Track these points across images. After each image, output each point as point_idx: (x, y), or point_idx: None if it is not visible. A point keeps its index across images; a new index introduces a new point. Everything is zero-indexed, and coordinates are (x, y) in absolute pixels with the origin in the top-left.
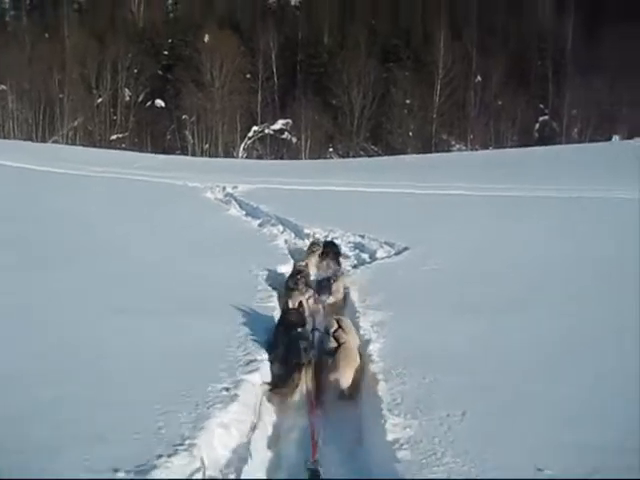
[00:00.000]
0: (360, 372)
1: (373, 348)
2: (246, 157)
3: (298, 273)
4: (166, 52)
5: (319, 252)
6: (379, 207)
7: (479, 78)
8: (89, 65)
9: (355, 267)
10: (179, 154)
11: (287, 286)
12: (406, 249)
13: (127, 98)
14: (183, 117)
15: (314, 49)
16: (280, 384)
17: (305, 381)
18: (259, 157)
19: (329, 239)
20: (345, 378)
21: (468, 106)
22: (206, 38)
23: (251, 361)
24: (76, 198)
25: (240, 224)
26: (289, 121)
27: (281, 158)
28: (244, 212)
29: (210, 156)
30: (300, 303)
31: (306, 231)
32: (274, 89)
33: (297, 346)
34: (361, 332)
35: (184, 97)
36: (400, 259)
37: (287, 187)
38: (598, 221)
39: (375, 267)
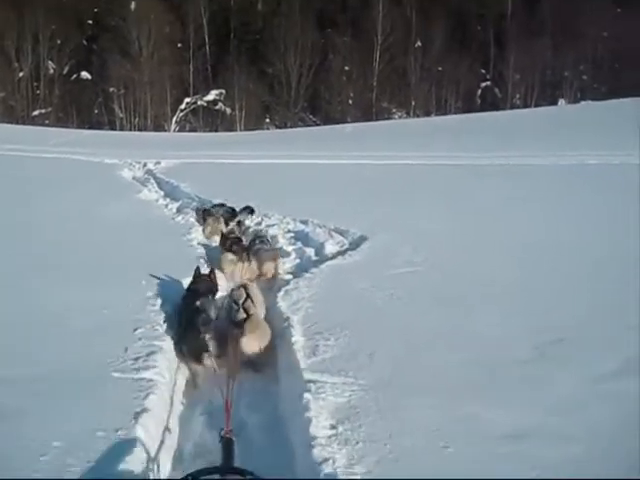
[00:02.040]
0: (270, 343)
1: None
2: (178, 130)
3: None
4: (90, 21)
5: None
6: (321, 182)
7: (419, 43)
8: (7, 37)
9: (294, 275)
10: (108, 129)
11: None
12: (363, 239)
13: (51, 71)
14: (110, 90)
15: (248, 15)
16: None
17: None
18: (192, 130)
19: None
20: (254, 348)
21: (409, 72)
22: (133, 5)
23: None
24: None
25: (151, 210)
26: (223, 91)
27: (215, 130)
28: (162, 193)
29: (140, 130)
30: (212, 270)
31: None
32: (206, 58)
33: (195, 322)
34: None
35: (111, 68)
36: (358, 257)
37: (217, 161)
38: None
39: (324, 274)
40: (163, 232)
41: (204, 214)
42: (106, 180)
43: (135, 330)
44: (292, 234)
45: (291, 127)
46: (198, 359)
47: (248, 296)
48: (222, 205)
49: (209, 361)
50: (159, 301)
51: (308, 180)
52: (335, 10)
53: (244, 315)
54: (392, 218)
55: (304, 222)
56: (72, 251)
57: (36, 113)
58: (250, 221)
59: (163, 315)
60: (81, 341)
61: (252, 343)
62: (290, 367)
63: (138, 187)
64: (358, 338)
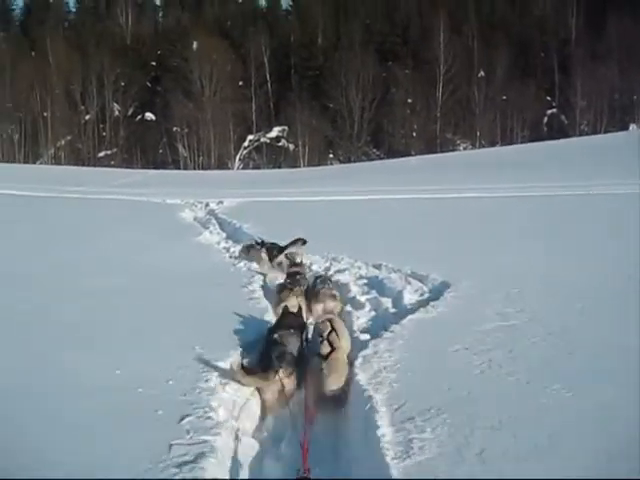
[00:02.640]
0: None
1: None
2: (242, 168)
3: (295, 274)
4: (154, 63)
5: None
6: (390, 220)
7: (482, 73)
8: (74, 80)
9: (371, 334)
10: (172, 168)
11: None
12: (445, 286)
13: (116, 113)
14: (174, 129)
15: (308, 51)
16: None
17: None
18: (256, 167)
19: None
20: (336, 384)
21: (472, 102)
22: (194, 45)
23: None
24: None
25: (211, 254)
26: (285, 128)
27: (279, 167)
28: (224, 235)
29: (204, 169)
30: (300, 307)
31: (300, 260)
32: (268, 95)
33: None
34: None
35: (174, 108)
36: (442, 308)
37: (280, 199)
38: None
39: (407, 332)
40: (220, 282)
41: (248, 249)
42: (165, 221)
43: (181, 420)
44: (365, 280)
45: (355, 161)
46: (266, 374)
47: (333, 329)
48: (272, 244)
49: (279, 378)
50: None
51: (376, 217)
52: (396, 42)
53: (329, 348)
54: (474, 259)
55: (377, 267)
56: (109, 307)
57: (102, 155)
58: (302, 254)
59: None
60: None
61: (334, 378)
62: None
63: (199, 229)
64: (460, 428)
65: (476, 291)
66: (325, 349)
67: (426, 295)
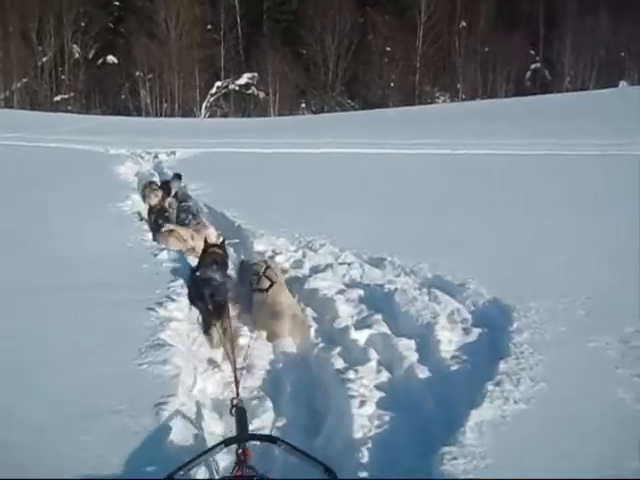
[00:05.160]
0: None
1: None
2: (209, 116)
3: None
4: (117, 2)
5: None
6: (376, 181)
7: (464, 23)
8: (30, 19)
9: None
10: (135, 116)
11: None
12: (501, 311)
13: (76, 55)
14: (137, 74)
15: None
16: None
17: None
18: (223, 116)
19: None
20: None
21: (453, 53)
22: None
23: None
24: None
25: (122, 236)
26: (255, 75)
27: (248, 116)
28: None
29: (167, 116)
30: (222, 241)
31: (258, 248)
32: (238, 40)
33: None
34: None
35: (137, 51)
36: (530, 387)
37: (243, 150)
38: None
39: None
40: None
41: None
42: (94, 177)
43: None
44: (360, 292)
45: (328, 112)
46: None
47: (268, 267)
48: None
49: (216, 334)
50: None
51: (359, 178)
52: None
53: (268, 282)
54: (509, 251)
55: (377, 264)
56: None
57: (58, 99)
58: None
59: None
60: None
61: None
62: None
63: (130, 189)
64: None
65: (568, 328)
66: (265, 283)
67: (474, 333)
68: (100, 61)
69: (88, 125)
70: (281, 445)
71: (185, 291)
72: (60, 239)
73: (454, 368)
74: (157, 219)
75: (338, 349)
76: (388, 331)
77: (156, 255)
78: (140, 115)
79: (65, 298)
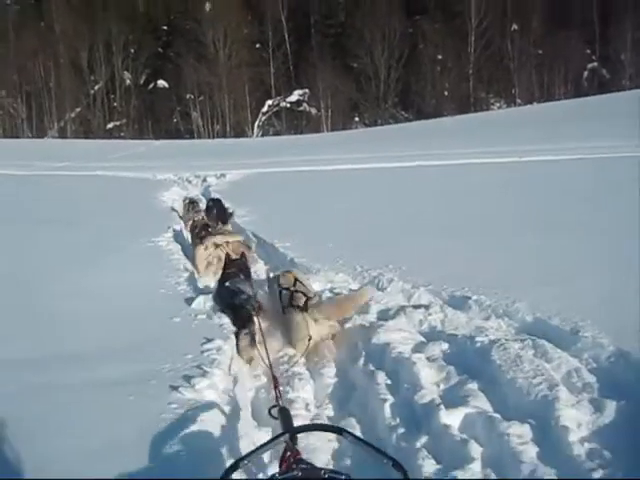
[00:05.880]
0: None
1: None
2: (261, 135)
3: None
4: (165, 27)
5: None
6: (443, 195)
7: (515, 26)
8: (80, 49)
9: None
10: (187, 138)
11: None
12: (622, 357)
13: (127, 82)
14: (187, 97)
15: (328, 7)
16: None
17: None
18: (276, 134)
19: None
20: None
21: (506, 57)
22: (207, 6)
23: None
24: None
25: (167, 277)
26: (306, 91)
27: (300, 133)
28: None
29: (220, 138)
30: (242, 254)
31: (314, 286)
32: (287, 57)
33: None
34: None
35: (187, 74)
36: None
37: (293, 169)
38: None
39: None
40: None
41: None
42: (134, 206)
43: None
44: (442, 346)
45: (382, 125)
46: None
47: (296, 280)
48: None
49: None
50: None
51: (423, 192)
52: None
53: (304, 298)
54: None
55: (459, 302)
56: None
57: (111, 126)
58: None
59: None
60: None
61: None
62: None
63: (173, 218)
64: None
65: None
66: (300, 300)
67: (607, 407)
68: (151, 86)
69: (139, 151)
70: (347, 437)
71: (221, 357)
72: (74, 288)
73: (594, 470)
74: (199, 233)
75: (424, 439)
76: (490, 409)
77: (191, 303)
78: (192, 137)
79: (62, 376)
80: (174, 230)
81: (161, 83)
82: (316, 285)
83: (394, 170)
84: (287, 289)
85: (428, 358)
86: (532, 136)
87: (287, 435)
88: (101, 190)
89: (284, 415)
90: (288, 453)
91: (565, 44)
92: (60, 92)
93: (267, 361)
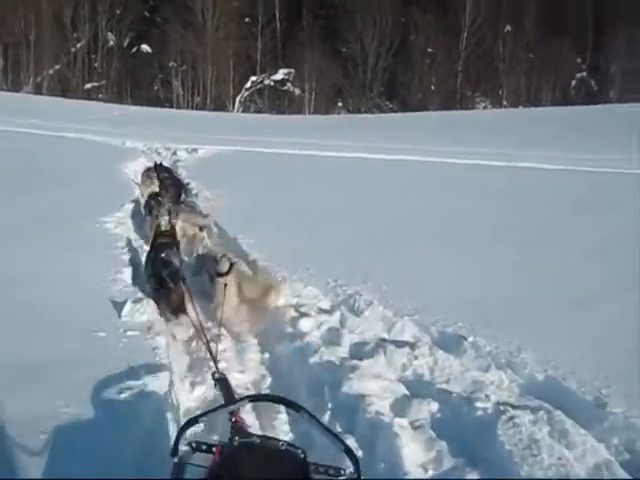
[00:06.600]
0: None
1: None
2: (242, 111)
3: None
4: None
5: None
6: (429, 198)
7: (509, 27)
8: (65, 6)
9: None
10: (166, 107)
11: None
12: None
13: (110, 43)
14: (170, 64)
15: None
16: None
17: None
18: (257, 111)
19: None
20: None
21: (497, 58)
22: None
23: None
24: None
25: (105, 272)
26: (292, 71)
27: (282, 113)
28: None
29: (199, 109)
30: (172, 226)
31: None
32: (276, 34)
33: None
34: None
35: (172, 41)
36: None
37: (270, 150)
38: None
39: None
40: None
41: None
42: (97, 175)
43: None
44: (431, 408)
45: (365, 113)
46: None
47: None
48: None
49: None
50: None
51: (409, 190)
52: None
53: (228, 264)
54: None
55: (451, 343)
56: None
57: (89, 86)
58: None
59: None
60: None
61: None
62: None
63: (129, 195)
64: None
65: None
66: (224, 266)
67: None
68: (134, 50)
69: (114, 115)
70: (304, 415)
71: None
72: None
73: None
74: (150, 209)
75: None
76: None
77: (122, 310)
78: (172, 107)
79: None
80: (132, 205)
81: (144, 48)
82: (280, 299)
83: (377, 162)
84: (215, 260)
85: (413, 424)
86: (518, 140)
87: (246, 401)
88: (62, 154)
89: (224, 384)
90: (234, 419)
91: (556, 51)
92: (40, 47)
93: (198, 326)
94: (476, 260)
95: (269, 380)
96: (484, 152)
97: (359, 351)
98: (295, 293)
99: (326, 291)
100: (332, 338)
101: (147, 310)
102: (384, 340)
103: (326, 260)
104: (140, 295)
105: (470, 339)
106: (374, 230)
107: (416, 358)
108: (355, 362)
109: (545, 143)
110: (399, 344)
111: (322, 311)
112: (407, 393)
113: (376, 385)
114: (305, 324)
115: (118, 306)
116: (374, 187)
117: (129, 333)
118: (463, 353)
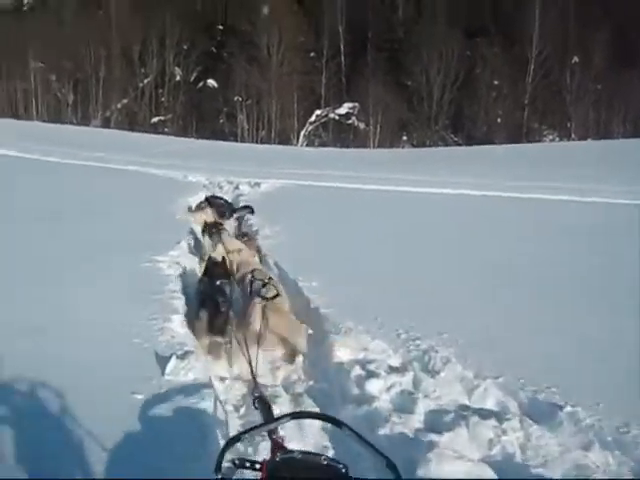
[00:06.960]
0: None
1: None
2: (307, 145)
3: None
4: (220, 26)
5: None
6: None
7: (576, 58)
8: (133, 41)
9: None
10: (232, 141)
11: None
12: None
13: (177, 78)
14: (235, 99)
15: (387, 23)
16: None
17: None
18: (322, 145)
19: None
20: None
21: (564, 90)
22: (265, 10)
23: None
24: None
25: (149, 319)
26: (356, 105)
27: (347, 147)
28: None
29: (264, 143)
30: (224, 257)
31: (338, 354)
32: (340, 68)
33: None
34: None
35: (237, 75)
36: None
37: (335, 184)
38: None
39: None
40: None
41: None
42: (151, 213)
43: None
44: None
45: (430, 146)
46: (220, 331)
47: (270, 278)
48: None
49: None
50: None
51: (482, 229)
52: (484, 17)
53: (275, 291)
54: None
55: (546, 414)
56: None
57: (155, 120)
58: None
59: None
60: None
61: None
62: None
63: (187, 231)
64: None
65: None
66: (271, 292)
67: None
68: (200, 84)
69: (178, 148)
70: (345, 431)
71: None
72: (10, 317)
73: None
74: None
75: None
76: None
77: (166, 370)
78: (236, 140)
79: None
80: (181, 247)
81: (210, 82)
82: (342, 353)
83: (445, 197)
84: (262, 281)
85: None
86: (589, 174)
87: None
88: (123, 187)
89: (264, 406)
90: (274, 436)
91: (626, 81)
92: (109, 82)
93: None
94: (567, 315)
95: (330, 453)
96: (553, 186)
97: (437, 422)
98: (362, 345)
99: (396, 345)
100: (404, 404)
101: (194, 366)
102: (464, 408)
103: (395, 307)
104: (188, 348)
105: (567, 409)
106: (446, 269)
107: (504, 433)
108: (432, 436)
109: (619, 176)
110: (483, 414)
111: (392, 369)
112: (496, 478)
113: (458, 468)
114: (373, 385)
115: (162, 361)
116: (444, 222)
117: (171, 397)
118: (559, 426)
